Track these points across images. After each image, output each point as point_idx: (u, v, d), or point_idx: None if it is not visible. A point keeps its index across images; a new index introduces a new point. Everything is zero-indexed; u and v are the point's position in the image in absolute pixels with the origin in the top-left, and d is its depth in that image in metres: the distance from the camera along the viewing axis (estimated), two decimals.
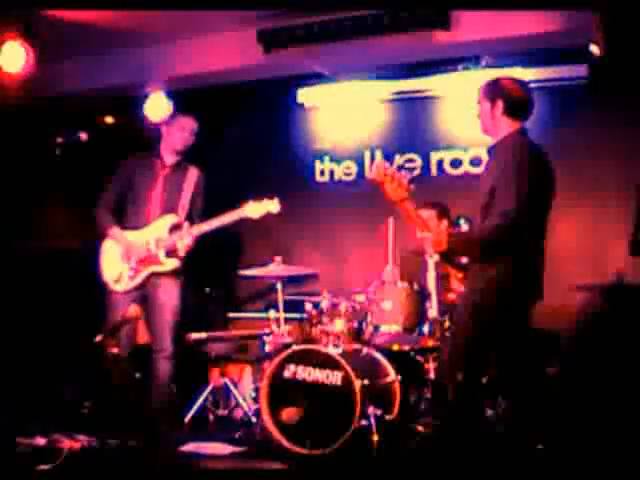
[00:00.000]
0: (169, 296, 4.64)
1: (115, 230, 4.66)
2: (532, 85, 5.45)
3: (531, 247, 3.53)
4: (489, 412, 4.26)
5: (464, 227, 3.78)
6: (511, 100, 3.59)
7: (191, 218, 4.70)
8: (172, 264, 4.63)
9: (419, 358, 4.69)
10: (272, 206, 4.66)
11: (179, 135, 4.72)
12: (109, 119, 4.67)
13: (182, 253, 4.58)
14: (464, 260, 3.60)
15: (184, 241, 4.55)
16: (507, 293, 3.48)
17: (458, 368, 3.46)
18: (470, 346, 3.48)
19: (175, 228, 4.64)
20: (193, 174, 4.78)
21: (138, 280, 4.63)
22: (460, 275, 3.69)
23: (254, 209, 4.64)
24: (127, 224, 4.69)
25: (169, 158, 4.76)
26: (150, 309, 4.62)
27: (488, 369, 3.77)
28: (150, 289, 4.64)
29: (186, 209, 4.70)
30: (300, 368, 4.41)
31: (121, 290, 4.62)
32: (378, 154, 6.00)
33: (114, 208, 4.73)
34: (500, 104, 3.59)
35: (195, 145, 4.90)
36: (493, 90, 3.63)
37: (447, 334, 4.38)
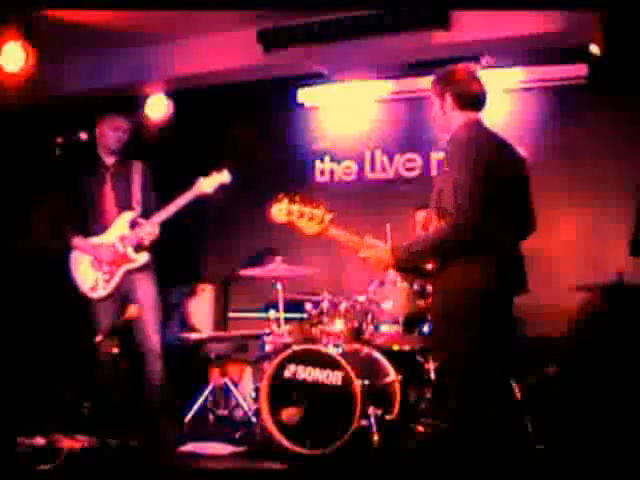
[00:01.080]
0: (146, 295, 4.63)
1: (78, 240, 4.65)
2: (532, 85, 5.52)
3: (499, 241, 3.30)
4: None
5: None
6: (459, 92, 3.39)
7: (148, 209, 4.70)
8: (143, 258, 4.64)
9: (419, 358, 4.69)
10: (223, 177, 4.65)
11: (112, 135, 4.68)
12: (83, 135, 4.63)
13: (147, 242, 4.59)
14: (429, 266, 3.39)
15: (147, 231, 4.57)
16: (483, 293, 3.26)
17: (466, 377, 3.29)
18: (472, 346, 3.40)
19: (135, 223, 4.65)
20: (137, 167, 4.78)
21: (115, 282, 4.61)
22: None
23: (207, 184, 4.63)
24: (89, 232, 4.68)
25: (108, 159, 4.75)
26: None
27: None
28: (127, 290, 4.64)
29: (140, 202, 4.70)
30: (300, 368, 4.41)
31: (102, 296, 4.61)
32: (378, 154, 6.01)
33: (75, 221, 4.71)
34: (449, 98, 3.40)
35: (195, 145, 4.90)
36: (440, 85, 3.45)
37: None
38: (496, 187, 3.23)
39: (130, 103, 5.90)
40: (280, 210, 3.48)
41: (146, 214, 4.66)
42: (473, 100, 3.41)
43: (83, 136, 4.54)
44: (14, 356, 5.34)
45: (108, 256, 4.60)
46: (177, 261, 5.69)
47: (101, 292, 4.61)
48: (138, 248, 4.63)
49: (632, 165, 5.08)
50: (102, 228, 4.66)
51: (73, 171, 4.74)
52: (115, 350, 4.24)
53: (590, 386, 4.47)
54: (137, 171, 4.77)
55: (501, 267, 3.29)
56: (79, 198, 4.71)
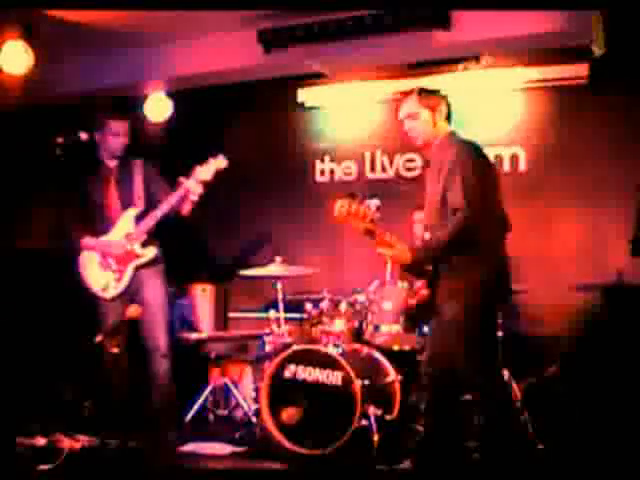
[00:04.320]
0: (154, 294, 4.65)
1: (87, 240, 4.68)
2: (532, 85, 5.51)
3: (494, 242, 3.61)
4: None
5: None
6: (447, 104, 3.77)
7: (151, 203, 4.70)
8: (152, 252, 4.66)
9: (419, 358, 4.69)
10: (219, 162, 4.64)
11: (114, 140, 4.69)
12: (84, 135, 4.63)
13: (195, 198, 4.61)
14: (426, 267, 3.65)
15: (192, 187, 4.57)
16: (486, 293, 3.55)
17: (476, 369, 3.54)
18: (477, 345, 3.54)
19: (139, 218, 4.66)
20: (137, 165, 4.79)
21: (125, 281, 4.63)
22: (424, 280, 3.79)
23: (205, 171, 4.61)
24: (96, 231, 4.70)
25: (110, 162, 4.76)
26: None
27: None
28: (136, 289, 4.65)
29: (143, 198, 4.71)
30: (300, 368, 4.41)
31: (113, 295, 4.63)
32: (378, 154, 6.00)
33: (82, 221, 4.74)
34: (442, 108, 3.73)
35: (195, 145, 4.90)
36: (430, 99, 3.75)
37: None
38: (490, 188, 3.59)
39: (130, 103, 5.91)
40: (342, 210, 3.52)
41: (150, 206, 4.67)
42: (450, 113, 3.80)
43: (83, 136, 4.54)
44: (14, 356, 5.34)
45: (116, 254, 4.62)
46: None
47: (112, 292, 4.64)
48: (145, 243, 4.64)
49: (632, 165, 5.08)
50: (107, 228, 4.68)
51: (77, 172, 4.75)
52: (115, 350, 4.24)
53: (590, 386, 4.47)
54: (138, 170, 4.78)
55: (500, 267, 3.60)
56: (84, 199, 4.72)
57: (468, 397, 3.85)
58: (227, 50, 5.66)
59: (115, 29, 5.48)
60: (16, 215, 6.10)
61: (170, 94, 5.90)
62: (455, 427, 3.67)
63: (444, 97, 3.80)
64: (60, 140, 4.48)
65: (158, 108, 5.93)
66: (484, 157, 3.68)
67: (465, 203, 3.43)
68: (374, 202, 3.58)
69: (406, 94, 3.82)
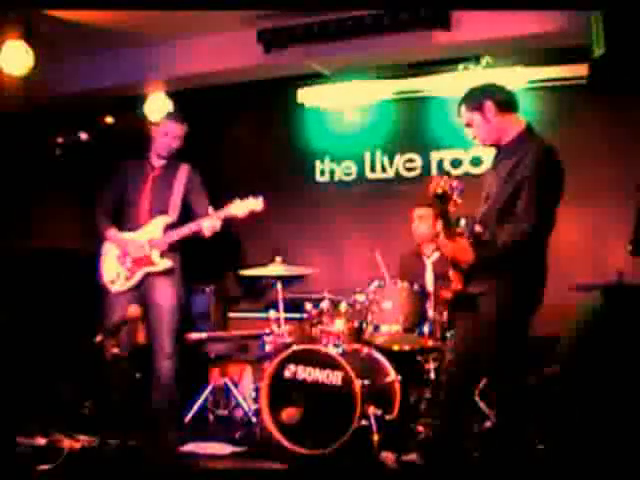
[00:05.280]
0: (164, 297, 4.65)
1: (112, 231, 4.72)
2: (532, 85, 5.51)
3: (541, 258, 3.51)
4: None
5: (463, 227, 3.71)
6: (497, 96, 3.55)
7: (186, 215, 4.70)
8: (165, 264, 4.65)
9: (419, 358, 4.70)
10: (257, 204, 4.63)
11: (162, 140, 4.71)
12: (109, 119, 4.65)
13: (208, 234, 4.57)
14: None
15: (208, 224, 4.55)
16: (522, 306, 3.51)
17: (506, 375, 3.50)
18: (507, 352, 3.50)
19: (169, 228, 4.66)
20: (183, 171, 4.78)
21: (134, 281, 4.65)
22: (459, 275, 3.62)
23: (239, 208, 4.61)
24: (123, 226, 4.74)
25: (156, 161, 4.77)
26: (147, 310, 4.63)
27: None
28: (146, 290, 4.66)
29: (178, 208, 4.71)
30: (300, 368, 4.41)
31: (118, 290, 4.65)
32: (378, 154, 6.01)
33: (112, 209, 4.78)
34: (489, 104, 3.52)
35: (195, 145, 4.90)
36: (475, 99, 3.57)
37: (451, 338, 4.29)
38: (555, 208, 3.43)
39: (130, 103, 5.91)
40: (441, 186, 3.33)
41: (189, 218, 4.67)
42: (511, 101, 3.60)
43: (83, 136, 4.54)
44: (14, 356, 5.34)
45: (134, 254, 4.64)
46: None
47: (118, 287, 4.66)
48: (163, 254, 4.65)
49: (632, 165, 5.08)
50: (135, 227, 4.69)
51: (127, 164, 4.76)
52: (115, 350, 4.24)
53: (590, 386, 4.47)
54: (182, 175, 4.76)
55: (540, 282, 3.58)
56: (124, 193, 4.74)
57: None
58: (227, 50, 5.67)
59: (115, 29, 5.49)
60: (16, 215, 6.10)
61: (170, 94, 5.91)
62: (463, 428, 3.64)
63: (492, 94, 3.57)
64: (60, 140, 4.48)
65: (158, 108, 5.93)
66: (560, 165, 3.45)
67: (535, 219, 3.32)
68: (460, 187, 3.37)
69: (459, 105, 3.64)
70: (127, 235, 4.69)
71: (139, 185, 4.73)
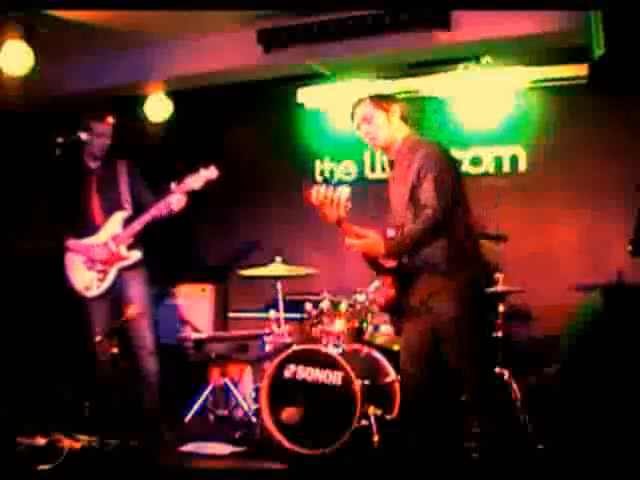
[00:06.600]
0: (138, 294, 4.65)
1: (70, 242, 4.70)
2: (532, 85, 5.51)
3: (477, 243, 3.67)
4: None
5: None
6: (403, 106, 3.76)
7: (138, 205, 4.70)
8: (136, 256, 4.67)
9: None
10: (210, 173, 4.59)
11: (97, 142, 4.67)
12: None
13: (176, 209, 4.57)
14: (388, 264, 3.63)
15: (177, 199, 4.55)
16: (480, 293, 3.69)
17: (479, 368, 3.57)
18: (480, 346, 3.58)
19: (128, 222, 4.66)
20: (122, 167, 4.78)
21: (108, 281, 4.64)
22: (389, 279, 3.73)
23: (194, 181, 4.57)
24: (79, 234, 4.70)
25: (93, 163, 4.75)
26: (123, 309, 4.62)
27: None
28: (119, 289, 4.66)
29: (130, 201, 4.71)
30: (300, 368, 4.41)
31: (95, 294, 4.64)
32: (378, 154, 6.00)
33: (67, 222, 4.74)
34: (397, 108, 3.70)
35: (195, 145, 4.90)
36: (382, 101, 3.73)
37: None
38: (462, 188, 3.63)
39: (130, 103, 5.91)
40: (318, 194, 3.55)
41: (139, 209, 4.67)
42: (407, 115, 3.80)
43: (83, 136, 4.54)
44: (14, 356, 5.34)
45: (102, 255, 4.63)
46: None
47: (95, 291, 4.65)
48: (131, 246, 4.66)
49: (632, 165, 5.08)
50: (93, 230, 4.68)
51: (64, 172, 4.74)
52: (115, 350, 4.24)
53: (590, 386, 4.47)
54: (123, 171, 4.76)
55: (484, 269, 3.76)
56: (69, 201, 4.72)
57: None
58: (227, 50, 5.67)
59: (115, 29, 5.49)
60: (15, 215, 6.09)
61: (170, 94, 5.90)
62: (443, 428, 3.67)
63: (398, 100, 3.81)
64: (60, 140, 4.48)
65: (158, 108, 5.93)
66: (453, 158, 3.73)
67: (436, 199, 3.42)
68: (346, 191, 3.56)
69: (358, 102, 3.77)
70: (86, 241, 4.68)
71: (83, 191, 4.70)
